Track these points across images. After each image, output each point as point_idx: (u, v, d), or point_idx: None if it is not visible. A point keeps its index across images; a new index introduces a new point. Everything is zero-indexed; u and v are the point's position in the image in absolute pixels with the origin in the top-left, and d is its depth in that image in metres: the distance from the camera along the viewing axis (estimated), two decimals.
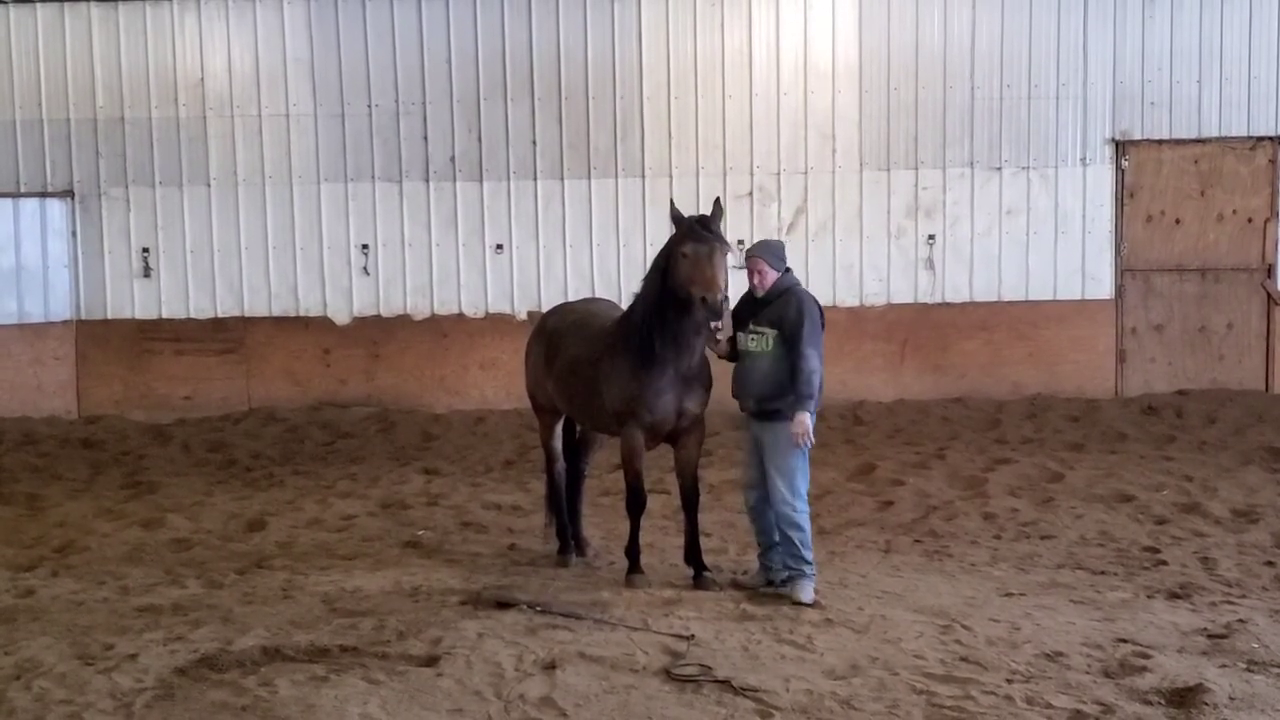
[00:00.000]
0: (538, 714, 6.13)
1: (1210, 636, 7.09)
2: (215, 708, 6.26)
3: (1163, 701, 6.14)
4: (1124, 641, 7.01)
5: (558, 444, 9.22)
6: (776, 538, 7.90)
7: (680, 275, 7.79)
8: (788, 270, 7.95)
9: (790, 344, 7.66)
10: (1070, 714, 6.02)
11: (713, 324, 7.87)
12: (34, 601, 8.16)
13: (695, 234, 7.85)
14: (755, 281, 7.87)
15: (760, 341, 7.80)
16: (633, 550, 8.36)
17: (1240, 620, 7.32)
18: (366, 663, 6.81)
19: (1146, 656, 6.73)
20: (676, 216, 8.05)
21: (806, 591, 7.65)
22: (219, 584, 8.51)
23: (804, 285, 8.06)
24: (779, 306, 7.77)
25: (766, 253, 7.90)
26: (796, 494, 7.72)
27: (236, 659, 6.90)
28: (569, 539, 9.00)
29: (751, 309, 7.92)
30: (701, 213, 8.12)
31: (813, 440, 7.66)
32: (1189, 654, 6.81)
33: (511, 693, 6.39)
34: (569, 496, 9.10)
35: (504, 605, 7.66)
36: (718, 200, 8.14)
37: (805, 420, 7.58)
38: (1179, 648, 6.92)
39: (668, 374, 7.95)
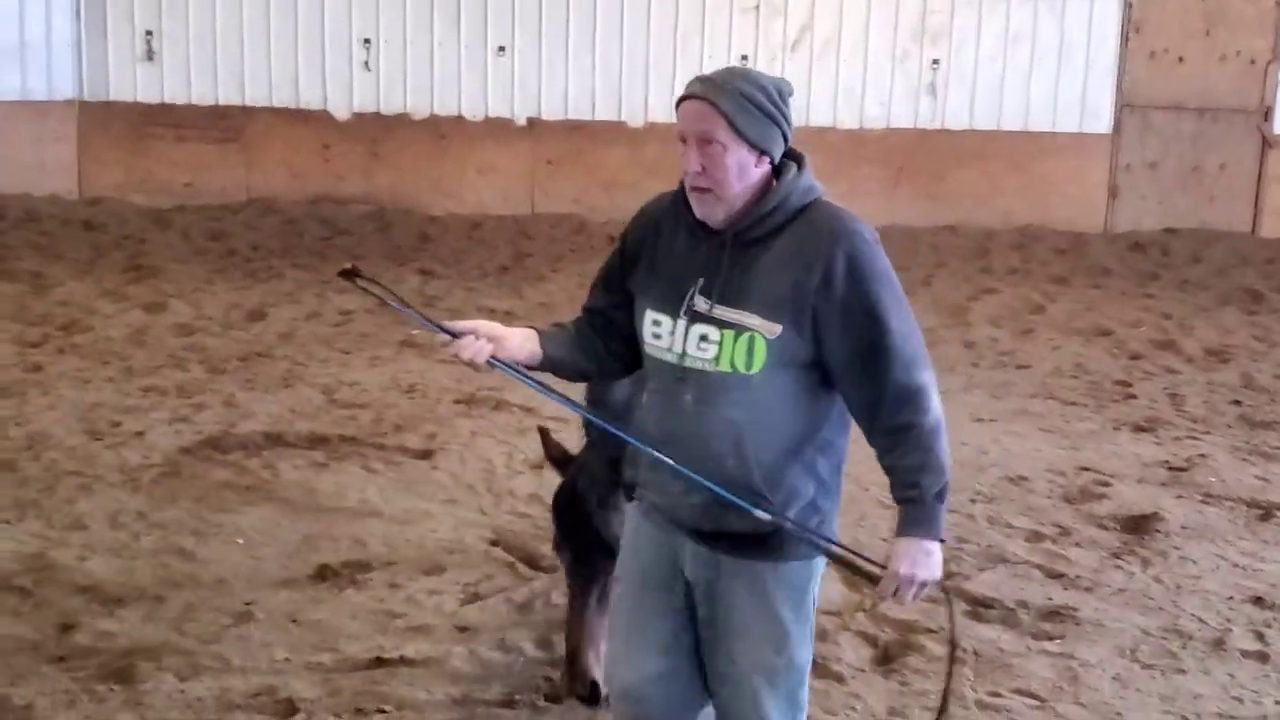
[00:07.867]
0: (526, 509, 6.46)
1: (1171, 469, 7.40)
2: (220, 486, 6.59)
3: (1118, 527, 6.47)
4: (1086, 470, 7.32)
5: None
6: None
7: None
8: (795, 160, 3.17)
9: (860, 356, 3.14)
10: (1028, 534, 6.35)
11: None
12: (42, 377, 8.42)
13: None
14: (696, 171, 3.09)
15: (732, 348, 3.13)
16: None
17: (1201, 455, 7.63)
18: (365, 452, 7.15)
19: (1106, 485, 7.05)
20: None
21: None
22: (221, 370, 8.77)
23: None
24: (785, 253, 3.11)
25: (727, 99, 3.04)
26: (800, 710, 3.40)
27: (240, 442, 7.22)
28: None
29: (690, 258, 3.19)
30: None
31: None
32: (1148, 484, 7.13)
33: (502, 488, 6.74)
34: None
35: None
36: None
37: (937, 553, 3.30)
38: (1139, 478, 7.23)
39: None
